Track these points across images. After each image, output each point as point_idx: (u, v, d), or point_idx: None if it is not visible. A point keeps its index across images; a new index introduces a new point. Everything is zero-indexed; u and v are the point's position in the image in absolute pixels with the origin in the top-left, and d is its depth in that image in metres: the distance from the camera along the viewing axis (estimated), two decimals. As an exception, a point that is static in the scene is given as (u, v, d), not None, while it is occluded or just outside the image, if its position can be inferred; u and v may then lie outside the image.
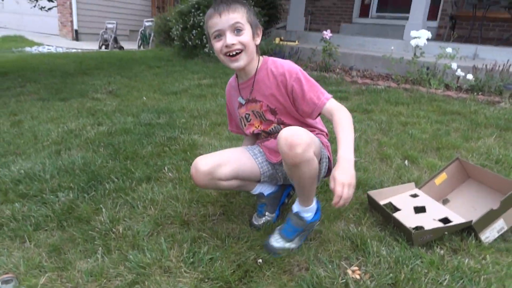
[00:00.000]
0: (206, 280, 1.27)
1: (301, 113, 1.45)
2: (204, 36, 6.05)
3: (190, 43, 6.01)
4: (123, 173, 2.03)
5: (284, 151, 1.23)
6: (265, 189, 1.62)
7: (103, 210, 1.68)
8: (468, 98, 3.67)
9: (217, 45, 1.36)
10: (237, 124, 1.67)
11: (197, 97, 3.74)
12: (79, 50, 8.43)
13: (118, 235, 1.51)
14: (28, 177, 1.96)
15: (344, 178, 1.16)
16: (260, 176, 1.55)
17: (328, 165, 1.51)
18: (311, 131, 1.41)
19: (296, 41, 6.62)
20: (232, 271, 1.30)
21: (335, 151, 1.31)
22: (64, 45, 9.40)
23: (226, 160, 1.45)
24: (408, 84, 4.25)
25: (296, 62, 5.87)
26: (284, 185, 1.67)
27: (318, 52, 5.25)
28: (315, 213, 1.46)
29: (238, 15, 1.33)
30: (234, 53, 1.35)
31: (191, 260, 1.35)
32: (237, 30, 1.33)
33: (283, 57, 5.59)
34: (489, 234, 1.47)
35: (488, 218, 1.46)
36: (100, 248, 1.43)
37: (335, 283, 1.25)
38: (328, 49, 4.94)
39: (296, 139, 1.21)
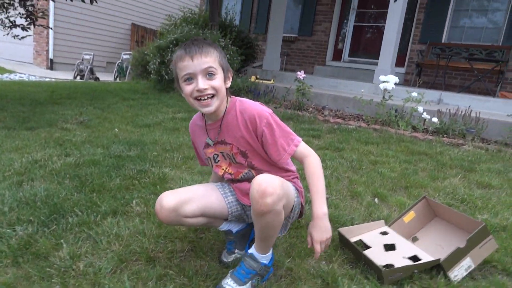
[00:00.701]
0: (171, 322, 1.20)
1: (269, 157, 1.43)
2: (181, 71, 6.12)
3: (166, 77, 6.05)
4: (88, 206, 1.94)
5: (254, 197, 1.20)
6: (233, 226, 1.58)
7: (64, 245, 1.58)
8: (434, 139, 3.84)
9: (188, 88, 1.31)
10: (202, 160, 1.63)
11: (171, 130, 3.71)
12: (53, 79, 8.30)
13: (78, 272, 1.42)
14: (-16, 209, 1.84)
15: (320, 236, 1.30)
16: (227, 215, 1.51)
17: (300, 211, 1.50)
18: (286, 175, 1.43)
19: (272, 80, 6.80)
20: (198, 311, 1.24)
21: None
22: (37, 73, 9.23)
23: (193, 197, 1.41)
24: (377, 125, 4.41)
25: (270, 100, 5.99)
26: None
27: (292, 91, 5.41)
28: (270, 261, 1.43)
29: (211, 59, 1.30)
30: (205, 97, 1.31)
31: (156, 299, 1.28)
32: (209, 74, 1.30)
33: (258, 95, 5.71)
34: (457, 273, 1.49)
35: (456, 256, 1.48)
36: (57, 286, 1.33)
37: (306, 324, 1.21)
38: (302, 88, 5.10)
39: (270, 189, 1.18)
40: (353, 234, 1.74)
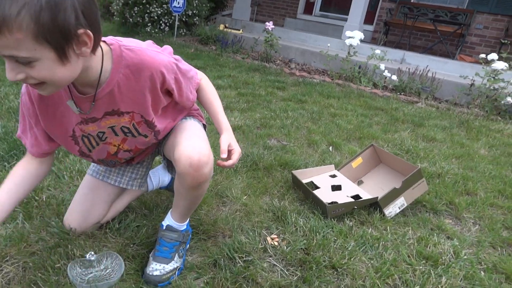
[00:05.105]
0: (131, 245, 1.31)
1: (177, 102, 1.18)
2: (146, 14, 5.86)
3: (131, 20, 5.79)
4: (49, 143, 1.95)
5: (187, 172, 1.03)
6: (163, 181, 1.62)
7: (26, 178, 1.61)
8: (392, 96, 4.03)
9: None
10: (44, 138, 1.10)
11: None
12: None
13: (41, 203, 1.48)
14: None
15: (238, 147, 1.15)
16: (140, 189, 1.46)
17: None
18: (190, 114, 1.31)
19: (241, 30, 6.68)
20: (158, 237, 1.35)
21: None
22: None
23: (90, 206, 1.32)
24: (341, 80, 4.54)
25: (238, 50, 5.90)
26: None
27: (261, 42, 5.38)
28: (187, 224, 1.30)
29: (10, 41, 0.71)
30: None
31: (117, 226, 1.38)
32: (22, 62, 0.77)
33: (226, 44, 5.61)
34: (391, 210, 1.69)
35: (391, 196, 1.67)
36: (20, 214, 1.39)
37: (255, 248, 1.36)
38: (270, 40, 5.08)
39: (203, 158, 1.03)
40: (305, 176, 1.89)
